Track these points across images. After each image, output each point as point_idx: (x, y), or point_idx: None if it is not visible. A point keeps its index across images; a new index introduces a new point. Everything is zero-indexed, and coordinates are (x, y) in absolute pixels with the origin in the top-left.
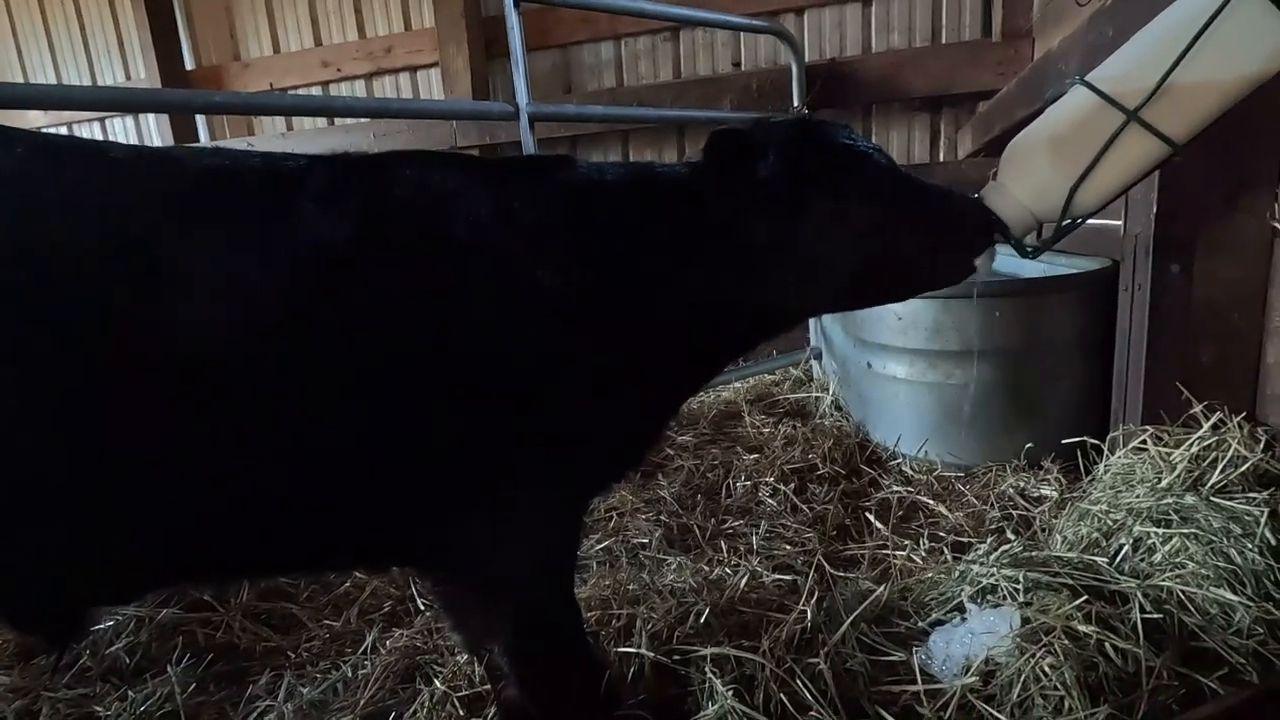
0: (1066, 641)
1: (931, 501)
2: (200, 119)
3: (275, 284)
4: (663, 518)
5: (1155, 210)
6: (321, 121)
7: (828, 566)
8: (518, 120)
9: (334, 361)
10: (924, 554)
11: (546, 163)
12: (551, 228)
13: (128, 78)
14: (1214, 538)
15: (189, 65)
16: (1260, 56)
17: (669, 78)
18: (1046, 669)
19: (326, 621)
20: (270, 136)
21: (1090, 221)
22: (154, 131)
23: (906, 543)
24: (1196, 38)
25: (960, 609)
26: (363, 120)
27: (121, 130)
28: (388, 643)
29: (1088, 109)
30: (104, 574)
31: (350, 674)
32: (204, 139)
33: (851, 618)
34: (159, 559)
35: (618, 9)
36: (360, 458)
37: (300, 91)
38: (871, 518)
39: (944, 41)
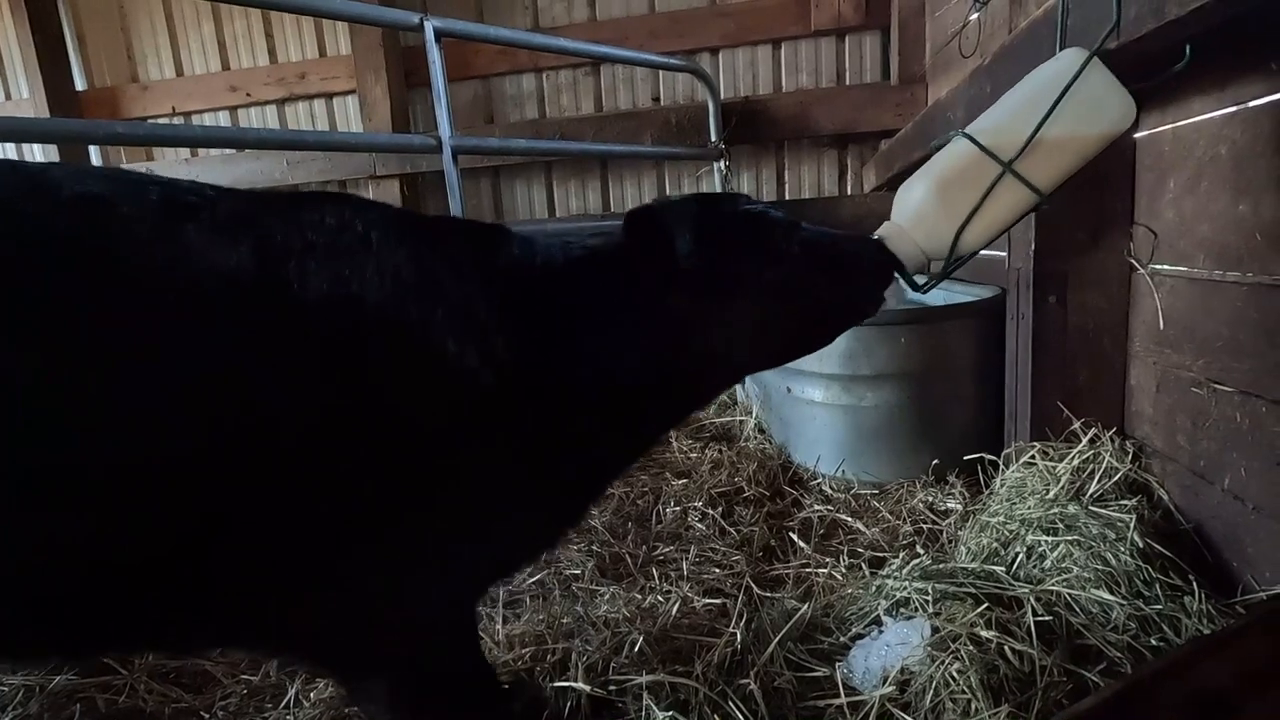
0: (971, 647)
1: (850, 519)
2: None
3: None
4: (595, 548)
5: (1033, 247)
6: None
7: (755, 588)
8: (440, 153)
9: (205, 426)
10: (844, 570)
11: (481, 232)
12: (479, 300)
13: (7, 98)
14: (1093, 543)
15: (80, 86)
16: (1107, 120)
17: (590, 111)
18: (954, 674)
19: (244, 676)
20: (172, 162)
21: (982, 253)
22: (38, 155)
23: (828, 560)
24: (1057, 102)
25: (878, 622)
26: None
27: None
28: (311, 694)
29: (969, 159)
30: None
31: None
32: (96, 163)
33: (779, 637)
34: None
35: (538, 46)
36: (223, 533)
37: (206, 116)
38: (795, 537)
39: (848, 84)
